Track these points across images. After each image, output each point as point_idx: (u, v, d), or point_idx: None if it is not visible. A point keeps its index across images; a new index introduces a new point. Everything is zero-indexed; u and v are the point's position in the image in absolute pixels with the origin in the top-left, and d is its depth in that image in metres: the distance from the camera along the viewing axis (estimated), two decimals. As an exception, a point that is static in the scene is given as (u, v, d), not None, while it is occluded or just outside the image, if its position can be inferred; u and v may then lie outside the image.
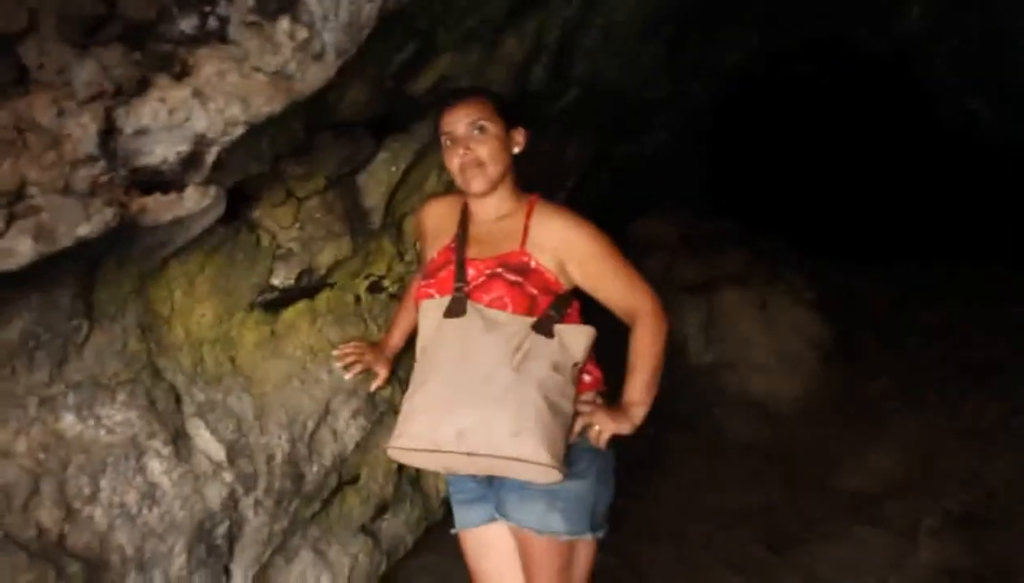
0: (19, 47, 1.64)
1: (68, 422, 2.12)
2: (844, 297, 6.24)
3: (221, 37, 1.85)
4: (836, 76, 7.33)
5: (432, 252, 2.60)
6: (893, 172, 8.23)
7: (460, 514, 2.61)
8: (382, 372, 2.83)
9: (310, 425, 2.73)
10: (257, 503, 2.56)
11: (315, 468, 2.75)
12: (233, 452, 2.49)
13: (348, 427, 2.86)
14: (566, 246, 2.41)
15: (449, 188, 2.90)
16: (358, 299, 2.97)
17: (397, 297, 3.05)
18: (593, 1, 3.30)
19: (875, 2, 5.43)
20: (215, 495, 2.43)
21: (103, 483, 2.17)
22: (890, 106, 7.34)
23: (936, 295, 6.26)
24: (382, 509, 3.07)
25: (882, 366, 5.66)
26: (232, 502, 2.48)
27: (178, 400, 2.41)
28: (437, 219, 2.65)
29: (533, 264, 2.39)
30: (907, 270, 6.77)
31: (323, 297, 2.86)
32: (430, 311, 2.45)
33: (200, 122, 1.84)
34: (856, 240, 7.27)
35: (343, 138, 2.65)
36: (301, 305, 2.78)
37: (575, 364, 2.36)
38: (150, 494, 2.26)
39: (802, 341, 5.80)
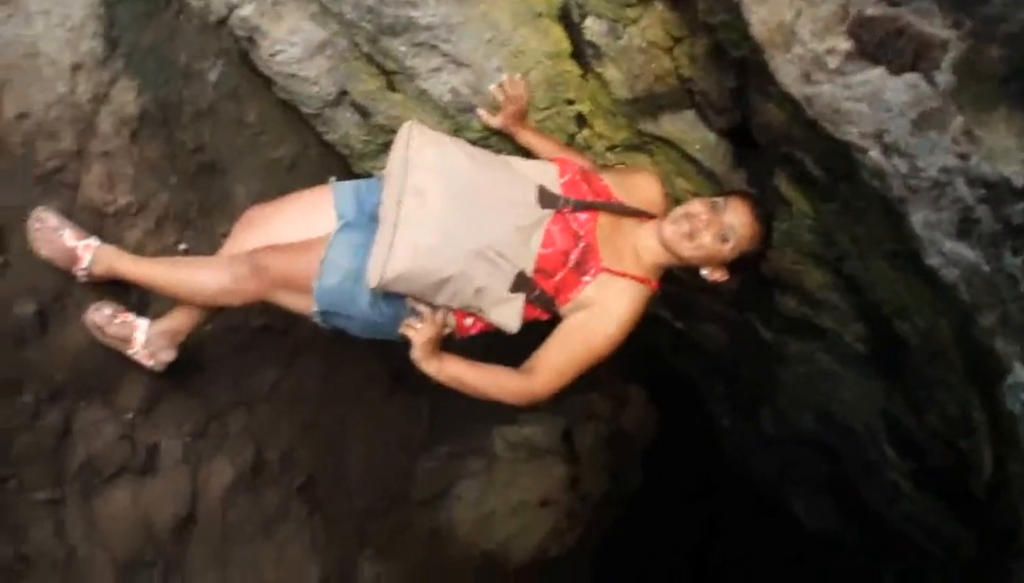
0: None
1: None
2: None
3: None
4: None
5: (607, 178, 2.67)
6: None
7: (345, 188, 2.80)
8: (495, 122, 2.91)
9: (446, 47, 2.81)
10: None
11: (403, 50, 2.83)
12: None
13: (442, 83, 2.95)
14: (604, 309, 2.50)
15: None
16: (569, 102, 3.01)
17: (570, 141, 3.10)
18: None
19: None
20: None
21: None
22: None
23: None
24: (362, 112, 3.19)
25: None
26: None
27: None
28: (645, 189, 2.75)
29: (585, 279, 2.49)
30: None
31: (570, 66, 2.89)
32: (546, 173, 2.61)
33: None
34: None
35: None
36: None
37: (480, 311, 2.50)
38: None
39: None
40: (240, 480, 3.36)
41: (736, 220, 2.47)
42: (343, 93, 3.10)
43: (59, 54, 2.68)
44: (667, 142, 2.96)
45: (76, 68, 2.72)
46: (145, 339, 2.79)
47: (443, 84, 2.92)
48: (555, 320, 2.57)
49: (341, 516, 3.94)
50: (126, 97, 2.87)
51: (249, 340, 3.44)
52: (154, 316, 2.86)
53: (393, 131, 3.09)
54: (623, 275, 2.51)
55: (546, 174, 2.56)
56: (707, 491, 6.97)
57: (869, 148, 2.11)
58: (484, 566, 4.69)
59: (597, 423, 5.10)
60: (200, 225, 3.19)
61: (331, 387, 3.93)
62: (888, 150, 2.08)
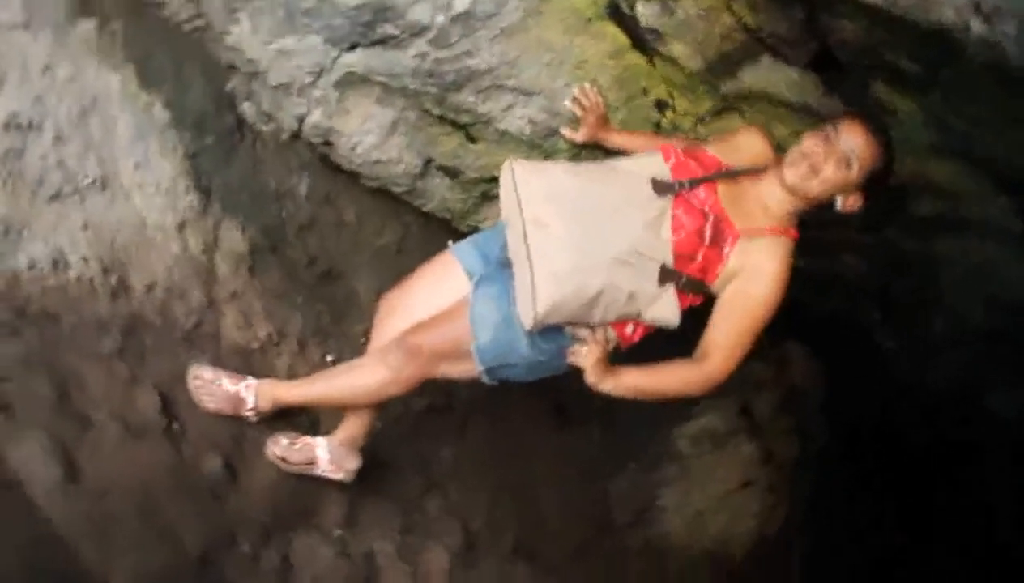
0: None
1: None
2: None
3: None
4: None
5: (710, 148, 2.63)
6: None
7: (466, 245, 2.82)
8: (581, 135, 2.90)
9: (511, 82, 2.85)
10: (422, 55, 2.78)
11: (472, 99, 2.89)
12: (463, 17, 2.67)
13: (519, 118, 2.98)
14: (754, 274, 2.47)
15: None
16: (644, 91, 2.99)
17: (657, 129, 3.09)
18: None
19: None
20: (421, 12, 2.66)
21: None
22: None
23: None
24: (451, 173, 3.23)
25: None
26: (418, 31, 2.71)
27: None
28: (749, 146, 2.70)
29: (726, 250, 2.45)
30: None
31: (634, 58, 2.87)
32: (652, 163, 2.57)
33: None
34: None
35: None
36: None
37: (639, 314, 2.46)
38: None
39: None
40: (457, 560, 3.38)
41: (853, 142, 2.42)
42: (428, 162, 3.15)
43: (164, 218, 2.81)
44: (753, 95, 2.92)
45: (182, 226, 2.84)
46: (328, 455, 2.87)
47: (519, 118, 2.95)
48: (710, 302, 2.55)
49: (558, 562, 3.95)
50: (233, 237, 2.99)
51: (418, 424, 3.51)
52: (327, 430, 2.94)
53: (486, 180, 3.14)
54: (761, 233, 2.47)
55: (653, 164, 2.55)
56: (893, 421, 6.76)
57: (970, 21, 2.04)
58: (710, 565, 4.66)
59: (767, 391, 5.02)
60: (337, 331, 3.29)
61: (506, 441, 3.97)
62: (990, 18, 2.01)
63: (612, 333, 2.54)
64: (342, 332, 3.31)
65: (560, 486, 4.18)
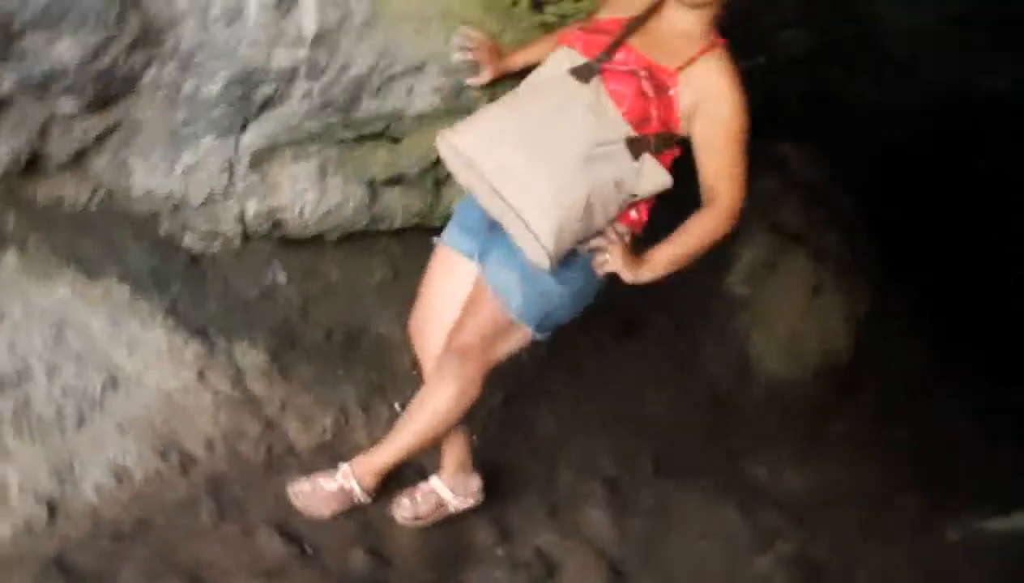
0: None
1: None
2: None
3: None
4: None
5: (605, 14, 2.62)
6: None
7: (450, 232, 2.80)
8: (486, 75, 2.89)
9: (397, 68, 2.82)
10: (307, 94, 2.74)
11: (373, 104, 2.88)
12: (320, 38, 2.63)
13: (423, 94, 2.96)
14: (710, 98, 2.44)
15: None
16: (514, 3, 2.99)
17: (548, 28, 3.02)
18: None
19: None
20: (282, 58, 2.60)
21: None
22: None
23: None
24: (396, 181, 3.20)
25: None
26: (289, 75, 2.67)
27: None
28: None
29: (672, 92, 2.44)
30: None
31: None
32: (562, 58, 2.53)
33: None
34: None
35: None
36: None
37: (634, 195, 2.45)
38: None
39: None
40: (612, 509, 3.43)
41: None
42: (369, 184, 3.14)
43: (181, 379, 2.80)
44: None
45: (201, 375, 2.84)
46: (451, 490, 2.88)
47: (423, 95, 2.94)
48: (689, 149, 2.53)
49: (695, 459, 4.01)
50: (249, 357, 2.98)
51: (505, 418, 3.55)
52: (434, 468, 2.94)
53: (429, 168, 3.13)
54: (693, 60, 2.44)
55: (563, 58, 2.51)
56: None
57: None
58: (827, 382, 4.70)
59: (784, 199, 5.02)
60: (390, 380, 3.32)
61: (590, 383, 4.00)
62: None
63: (622, 227, 2.52)
64: (394, 377, 3.33)
65: (660, 390, 4.20)
